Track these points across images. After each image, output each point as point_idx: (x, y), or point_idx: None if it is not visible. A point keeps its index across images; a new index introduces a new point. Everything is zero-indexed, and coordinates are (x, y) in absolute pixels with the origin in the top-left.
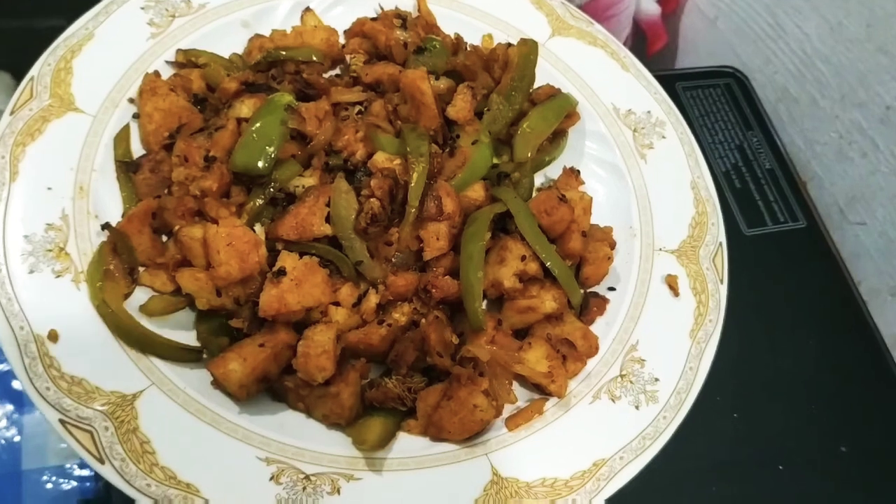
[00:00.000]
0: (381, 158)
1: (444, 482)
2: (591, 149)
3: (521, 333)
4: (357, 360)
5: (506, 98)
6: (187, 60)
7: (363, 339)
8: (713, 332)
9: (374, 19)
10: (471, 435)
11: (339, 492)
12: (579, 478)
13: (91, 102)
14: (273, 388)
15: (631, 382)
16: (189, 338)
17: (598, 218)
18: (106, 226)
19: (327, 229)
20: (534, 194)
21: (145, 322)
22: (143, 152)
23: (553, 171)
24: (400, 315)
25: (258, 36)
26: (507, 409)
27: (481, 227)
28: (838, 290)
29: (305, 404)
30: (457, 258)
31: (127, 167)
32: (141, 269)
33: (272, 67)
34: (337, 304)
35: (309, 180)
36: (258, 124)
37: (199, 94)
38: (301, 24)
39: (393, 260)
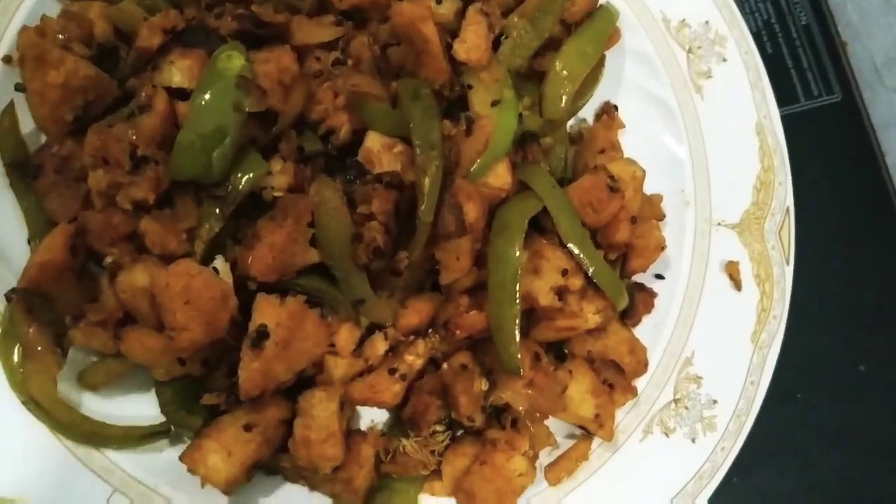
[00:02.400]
0: (375, 144)
1: None
2: (633, 74)
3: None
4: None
5: (530, 22)
6: None
7: (372, 398)
8: (777, 333)
9: None
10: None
11: None
12: None
13: None
14: (266, 464)
15: (686, 409)
16: (148, 402)
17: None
18: (11, 293)
19: (314, 256)
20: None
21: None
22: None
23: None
24: (414, 357)
25: None
26: (545, 451)
27: (513, 238)
28: (869, 170)
29: (307, 481)
30: (480, 273)
31: (22, 172)
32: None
33: None
34: (332, 347)
35: (280, 178)
36: (202, 111)
37: (106, 44)
38: None
39: (400, 285)
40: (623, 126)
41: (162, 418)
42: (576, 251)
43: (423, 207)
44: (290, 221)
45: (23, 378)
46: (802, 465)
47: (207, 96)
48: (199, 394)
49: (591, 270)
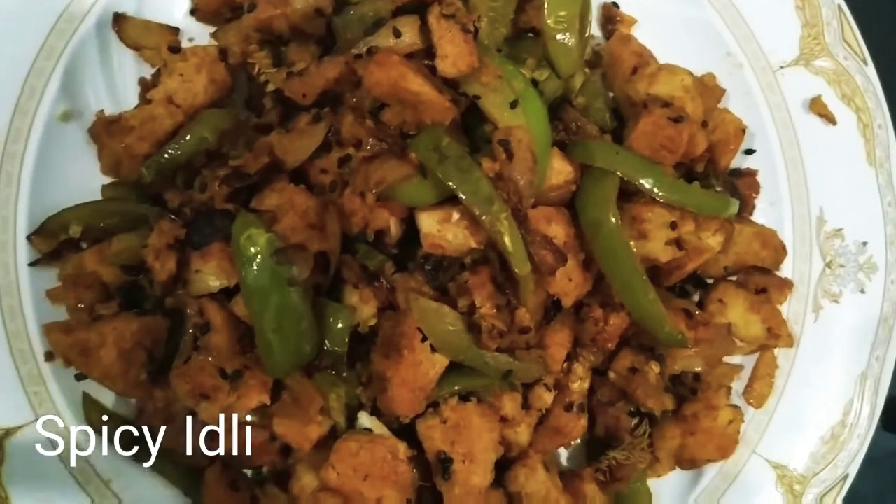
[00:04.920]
0: (432, 226)
1: None
2: None
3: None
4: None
5: None
6: (58, 243)
7: (564, 440)
8: (889, 141)
9: None
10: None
11: None
12: (850, 409)
13: None
14: None
15: (842, 266)
16: None
17: (680, 57)
18: None
19: (444, 361)
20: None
21: None
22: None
23: None
24: (580, 383)
25: (106, 129)
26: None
27: (612, 233)
28: None
29: None
30: (592, 269)
31: (137, 446)
32: None
33: (170, 175)
34: (505, 421)
35: (365, 310)
36: (261, 307)
37: (123, 285)
38: (162, 80)
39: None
40: (634, 21)
41: None
42: (673, 198)
43: (515, 262)
44: (404, 353)
45: None
46: None
47: (256, 290)
48: None
49: (694, 209)
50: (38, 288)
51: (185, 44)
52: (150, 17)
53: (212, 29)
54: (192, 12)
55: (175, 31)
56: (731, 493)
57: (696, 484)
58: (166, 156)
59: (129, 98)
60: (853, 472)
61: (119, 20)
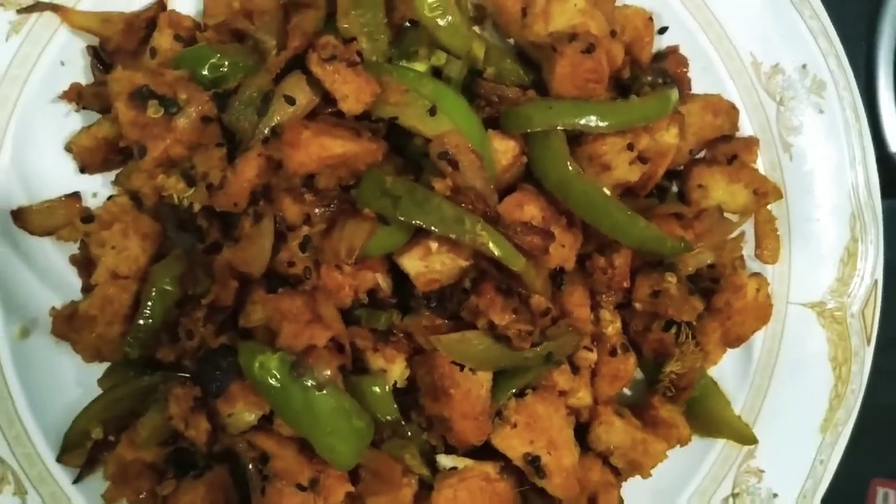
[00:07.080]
0: (416, 266)
1: (794, 358)
2: None
3: None
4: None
5: (355, 6)
6: (88, 451)
7: (621, 384)
8: None
9: None
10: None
11: None
12: (854, 222)
13: None
14: None
15: (793, 98)
16: None
17: None
18: None
19: (488, 375)
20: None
21: None
22: None
23: None
24: (612, 326)
25: (68, 325)
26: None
27: (581, 184)
28: None
29: None
30: (576, 223)
31: None
32: None
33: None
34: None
35: (395, 369)
36: (306, 419)
37: (165, 459)
38: (95, 256)
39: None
40: None
41: None
42: (618, 124)
43: (509, 262)
44: (451, 392)
45: None
46: None
47: (292, 410)
48: None
49: (642, 122)
50: (93, 499)
51: (89, 201)
52: (42, 195)
53: (110, 175)
54: (82, 171)
55: (76, 197)
56: (785, 349)
57: (752, 354)
58: (141, 327)
59: (69, 280)
60: (880, 275)
61: (19, 215)
